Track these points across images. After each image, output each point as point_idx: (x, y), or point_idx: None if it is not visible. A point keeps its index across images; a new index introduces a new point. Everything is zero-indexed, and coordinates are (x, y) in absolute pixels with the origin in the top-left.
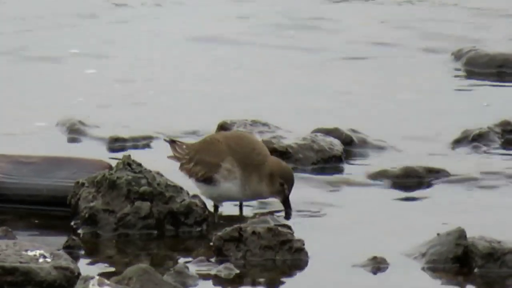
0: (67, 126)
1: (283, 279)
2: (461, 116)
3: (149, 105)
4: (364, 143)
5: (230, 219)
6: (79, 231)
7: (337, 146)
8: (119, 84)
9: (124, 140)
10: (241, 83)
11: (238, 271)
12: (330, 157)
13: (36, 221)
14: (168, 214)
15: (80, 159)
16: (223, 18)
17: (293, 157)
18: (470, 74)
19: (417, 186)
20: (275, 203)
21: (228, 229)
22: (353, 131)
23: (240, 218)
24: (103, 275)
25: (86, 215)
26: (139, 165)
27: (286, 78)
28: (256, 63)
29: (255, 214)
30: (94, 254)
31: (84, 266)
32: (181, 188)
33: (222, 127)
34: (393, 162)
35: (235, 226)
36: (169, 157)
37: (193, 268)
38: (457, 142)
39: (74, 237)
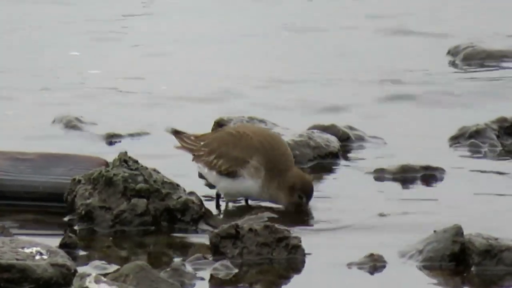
0: (63, 122)
1: (280, 276)
2: (458, 112)
3: (143, 101)
4: (361, 139)
5: (230, 215)
6: (76, 227)
7: (334, 143)
8: (114, 81)
9: (120, 136)
10: (239, 78)
11: (235, 269)
12: (327, 153)
13: (33, 217)
14: (165, 211)
15: (77, 156)
16: (227, 18)
17: None
18: (467, 71)
19: (413, 182)
20: None
21: (224, 226)
22: (350, 128)
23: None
24: (99, 272)
25: (83, 212)
26: (136, 162)
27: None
28: (254, 58)
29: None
30: (90, 251)
31: (80, 263)
32: (178, 185)
33: (219, 123)
34: (390, 159)
35: (232, 223)
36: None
37: (189, 265)
38: (454, 139)
39: (70, 234)
